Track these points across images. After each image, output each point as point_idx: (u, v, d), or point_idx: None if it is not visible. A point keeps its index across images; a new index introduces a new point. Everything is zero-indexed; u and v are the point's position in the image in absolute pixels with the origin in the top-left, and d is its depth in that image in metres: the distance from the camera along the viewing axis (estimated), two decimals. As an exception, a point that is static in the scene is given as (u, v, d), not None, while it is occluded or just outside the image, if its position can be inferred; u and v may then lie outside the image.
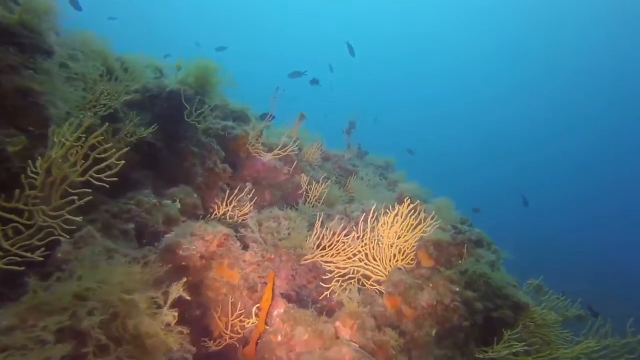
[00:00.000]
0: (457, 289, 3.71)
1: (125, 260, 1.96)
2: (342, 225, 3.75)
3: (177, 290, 1.81)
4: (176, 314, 1.81)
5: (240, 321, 3.29)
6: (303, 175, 5.54)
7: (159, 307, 1.81)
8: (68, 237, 2.00)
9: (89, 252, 1.98)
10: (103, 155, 1.98)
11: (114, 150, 1.98)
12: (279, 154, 5.15)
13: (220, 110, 5.40)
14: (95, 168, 1.99)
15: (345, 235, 3.77)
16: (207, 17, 55.02)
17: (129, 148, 2.11)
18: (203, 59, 4.60)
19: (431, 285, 3.82)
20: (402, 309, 3.73)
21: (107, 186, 2.01)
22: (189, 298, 1.87)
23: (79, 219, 1.98)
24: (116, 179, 2.02)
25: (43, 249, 1.96)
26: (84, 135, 1.93)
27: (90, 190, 2.01)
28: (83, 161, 1.96)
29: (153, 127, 3.66)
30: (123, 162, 2.01)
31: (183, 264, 2.99)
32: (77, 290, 1.58)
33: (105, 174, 2.01)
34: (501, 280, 3.69)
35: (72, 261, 1.90)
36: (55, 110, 2.21)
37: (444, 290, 3.75)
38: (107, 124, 2.01)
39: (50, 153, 1.94)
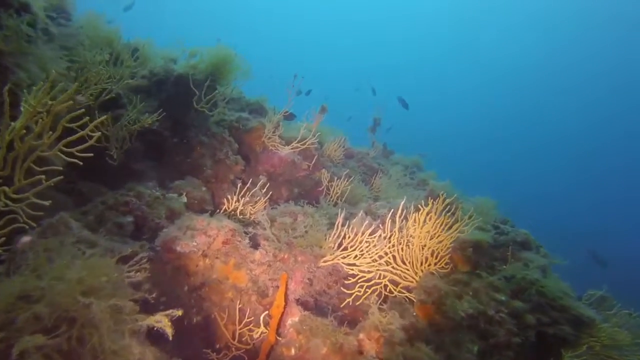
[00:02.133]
0: (503, 298, 3.15)
1: (90, 253, 1.58)
2: (367, 222, 3.28)
3: (156, 320, 1.38)
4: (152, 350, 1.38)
5: (249, 330, 2.88)
6: (324, 170, 5.12)
7: (134, 312, 1.43)
8: (34, 224, 1.67)
9: (56, 243, 1.64)
10: (75, 125, 1.63)
11: (88, 117, 1.62)
12: (297, 147, 4.75)
13: (236, 103, 5.09)
14: (65, 140, 1.64)
15: (370, 234, 3.29)
16: (230, 14, 56.30)
17: (106, 116, 1.75)
18: (221, 46, 4.29)
19: (470, 292, 3.28)
20: (436, 319, 3.21)
21: (81, 163, 1.65)
22: (170, 336, 1.42)
23: (46, 202, 1.63)
24: (91, 155, 1.67)
25: (3, 239, 1.63)
26: (52, 102, 1.58)
27: (61, 168, 1.66)
28: (51, 132, 1.61)
29: (158, 113, 3.34)
30: (99, 133, 1.65)
31: (182, 262, 2.62)
32: (21, 289, 1.22)
33: (78, 148, 1.65)
34: (556, 289, 3.10)
35: (29, 253, 1.55)
36: (25, 75, 1.90)
37: (486, 299, 3.21)
38: (77, 83, 1.66)
39: (14, 123, 1.60)
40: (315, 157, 5.08)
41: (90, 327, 1.27)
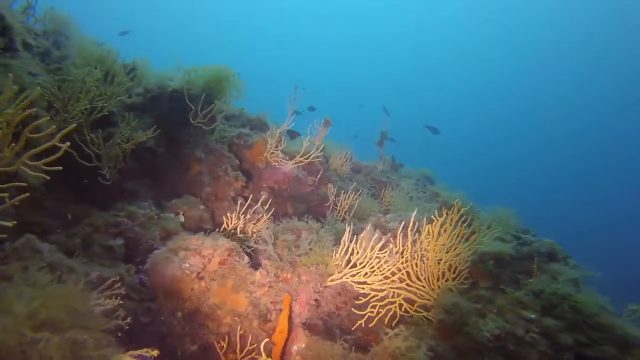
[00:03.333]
0: (532, 316, 2.83)
1: (48, 279, 1.37)
2: (376, 236, 3.03)
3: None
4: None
5: (252, 359, 2.61)
6: (330, 185, 4.90)
7: (100, 347, 1.21)
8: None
9: (18, 268, 1.44)
10: (37, 135, 1.46)
11: (54, 126, 1.45)
12: (302, 161, 4.55)
13: (237, 119, 4.97)
14: (29, 153, 1.47)
15: (381, 249, 3.03)
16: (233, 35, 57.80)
17: (75, 125, 1.58)
18: (217, 65, 4.20)
19: (495, 310, 2.96)
20: (458, 341, 2.90)
21: (47, 177, 1.47)
22: None
23: (9, 223, 1.45)
24: (60, 168, 1.49)
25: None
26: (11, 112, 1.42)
27: (25, 184, 1.48)
28: (14, 144, 1.45)
29: (152, 130, 3.20)
30: (68, 143, 1.48)
31: (174, 286, 2.40)
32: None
33: (44, 161, 1.48)
34: (593, 304, 2.76)
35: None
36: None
37: (513, 317, 2.88)
38: (38, 87, 1.51)
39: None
40: (321, 171, 4.88)
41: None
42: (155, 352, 1.21)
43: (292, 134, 5.49)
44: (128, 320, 1.45)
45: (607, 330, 2.59)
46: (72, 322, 1.17)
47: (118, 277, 1.67)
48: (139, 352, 1.20)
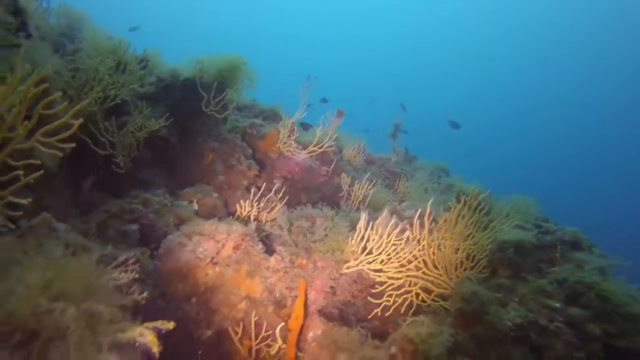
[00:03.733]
0: (557, 305, 2.72)
1: (63, 252, 1.35)
2: (392, 222, 2.95)
3: (140, 333, 1.10)
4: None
5: (267, 345, 2.58)
6: (343, 175, 4.84)
7: (116, 320, 1.18)
8: (12, 226, 1.47)
9: (34, 244, 1.43)
10: (50, 111, 1.44)
11: (66, 103, 1.43)
12: (315, 151, 4.50)
13: (249, 110, 4.95)
14: (44, 128, 1.45)
15: (397, 236, 2.96)
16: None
17: (88, 101, 1.56)
18: (229, 54, 4.17)
19: (516, 299, 2.87)
20: (478, 330, 2.81)
21: (60, 154, 1.46)
22: (156, 355, 1.10)
23: (25, 201, 1.44)
24: (73, 145, 1.47)
25: (-20, 243, 1.43)
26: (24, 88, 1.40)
27: (40, 162, 1.46)
28: (26, 122, 1.43)
29: (164, 118, 3.19)
30: (81, 120, 1.45)
31: (188, 271, 2.38)
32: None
33: (56, 137, 1.46)
34: (622, 293, 2.63)
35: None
36: (7, 66, 1.75)
37: (536, 306, 2.78)
38: (49, 65, 1.48)
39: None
40: (334, 161, 4.82)
41: (57, 340, 1.03)
42: (171, 324, 1.17)
43: (305, 126, 5.44)
44: (145, 294, 1.42)
45: (637, 320, 2.47)
46: (87, 296, 1.14)
47: (132, 254, 1.66)
48: (154, 324, 1.16)
